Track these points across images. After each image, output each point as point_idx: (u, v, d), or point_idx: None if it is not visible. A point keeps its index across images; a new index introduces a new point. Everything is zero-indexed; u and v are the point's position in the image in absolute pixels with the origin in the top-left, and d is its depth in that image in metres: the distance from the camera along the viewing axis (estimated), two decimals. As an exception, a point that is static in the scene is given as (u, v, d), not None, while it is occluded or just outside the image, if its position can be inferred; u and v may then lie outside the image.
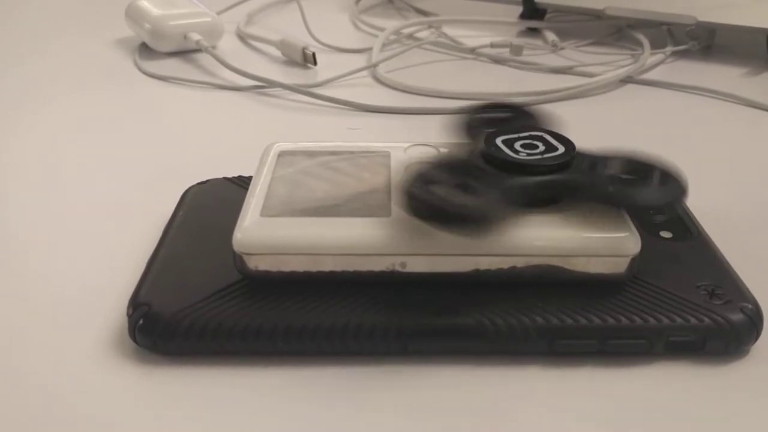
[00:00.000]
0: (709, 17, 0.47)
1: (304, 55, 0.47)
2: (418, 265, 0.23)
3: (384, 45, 0.50)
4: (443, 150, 0.27)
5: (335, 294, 0.23)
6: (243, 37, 0.53)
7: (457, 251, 0.22)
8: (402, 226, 0.23)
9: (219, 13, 0.54)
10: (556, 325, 0.22)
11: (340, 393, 0.21)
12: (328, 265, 0.23)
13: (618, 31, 0.53)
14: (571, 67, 0.46)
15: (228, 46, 0.51)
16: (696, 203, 0.29)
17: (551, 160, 0.24)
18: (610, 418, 0.20)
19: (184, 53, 0.50)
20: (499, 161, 0.24)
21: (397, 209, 0.23)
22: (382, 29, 0.52)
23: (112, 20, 0.56)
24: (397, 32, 0.52)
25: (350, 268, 0.23)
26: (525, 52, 0.49)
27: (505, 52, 0.49)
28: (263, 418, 0.20)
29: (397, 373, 0.22)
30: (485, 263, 0.23)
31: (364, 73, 0.46)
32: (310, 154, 0.27)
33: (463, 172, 0.23)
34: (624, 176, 0.24)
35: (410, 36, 0.53)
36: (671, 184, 0.24)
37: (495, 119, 0.27)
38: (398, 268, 0.23)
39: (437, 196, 0.22)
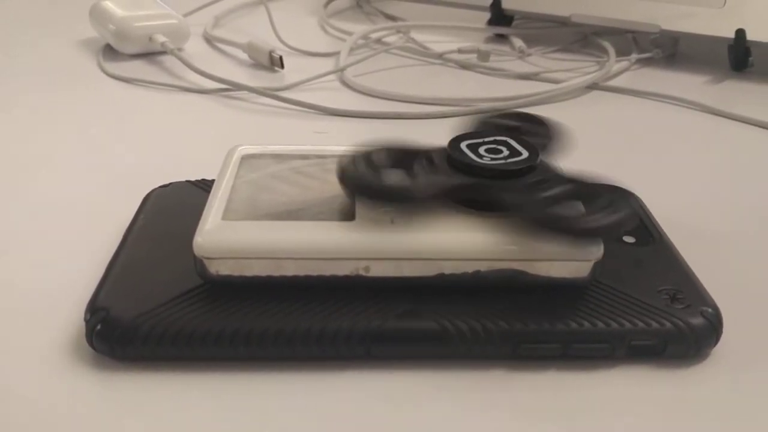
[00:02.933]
0: (673, 26, 0.48)
1: (271, 58, 0.46)
2: (381, 269, 0.22)
3: (352, 49, 0.50)
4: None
5: (298, 298, 0.22)
6: (209, 40, 0.53)
7: (422, 255, 0.22)
8: (366, 230, 0.23)
9: (185, 15, 0.54)
10: (520, 329, 0.22)
11: (302, 399, 0.21)
12: (290, 270, 0.22)
13: (584, 39, 0.54)
14: (537, 74, 0.47)
15: (194, 48, 0.51)
16: (658, 208, 0.29)
17: (501, 166, 0.24)
18: (573, 422, 0.20)
19: (149, 55, 0.49)
20: (454, 161, 0.24)
21: (361, 213, 0.23)
22: (350, 33, 0.52)
23: (75, 21, 0.55)
24: (365, 36, 0.52)
25: (313, 273, 0.22)
26: (492, 58, 0.49)
27: (472, 58, 0.49)
28: (224, 425, 0.20)
29: (360, 378, 0.21)
30: (449, 267, 0.23)
31: (332, 77, 0.46)
32: (275, 157, 0.27)
33: (409, 159, 0.24)
34: (570, 197, 0.23)
35: (378, 41, 0.53)
36: (616, 211, 0.23)
37: (505, 127, 0.27)
38: (362, 273, 0.22)
39: (365, 173, 0.23)
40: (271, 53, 0.46)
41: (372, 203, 0.23)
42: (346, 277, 0.23)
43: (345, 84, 0.45)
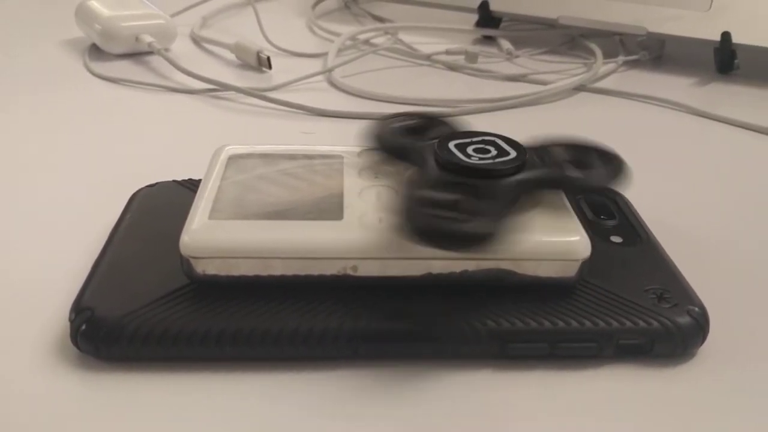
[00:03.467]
0: (660, 28, 0.48)
1: (259, 58, 0.46)
2: (369, 268, 0.22)
3: (340, 50, 0.50)
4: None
5: (285, 298, 0.22)
6: (197, 40, 0.53)
7: (409, 255, 0.22)
8: (353, 229, 0.23)
9: (173, 15, 0.53)
10: (508, 328, 0.22)
11: (291, 399, 0.21)
12: (278, 269, 0.22)
13: (571, 41, 0.54)
14: (525, 75, 0.47)
15: (181, 48, 0.51)
16: (645, 209, 0.29)
17: (513, 162, 0.24)
18: (561, 420, 0.20)
19: (136, 55, 0.49)
20: (470, 169, 0.23)
21: (349, 213, 0.23)
22: (338, 34, 0.52)
23: (61, 20, 0.54)
24: (353, 38, 0.52)
25: (301, 272, 0.22)
26: (480, 59, 0.49)
27: (460, 60, 0.49)
28: (210, 425, 0.20)
29: (348, 377, 0.21)
30: (437, 267, 0.23)
31: (320, 77, 0.46)
32: (262, 157, 0.27)
33: (451, 186, 0.23)
34: (569, 162, 0.25)
35: (366, 42, 0.53)
36: (611, 161, 0.25)
37: (408, 128, 0.27)
38: (350, 272, 0.22)
39: (444, 220, 0.21)
40: (258, 54, 0.46)
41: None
42: (334, 277, 0.22)
43: (333, 85, 0.45)
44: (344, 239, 0.22)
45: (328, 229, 0.22)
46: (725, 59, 0.48)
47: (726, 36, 0.46)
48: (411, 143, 0.26)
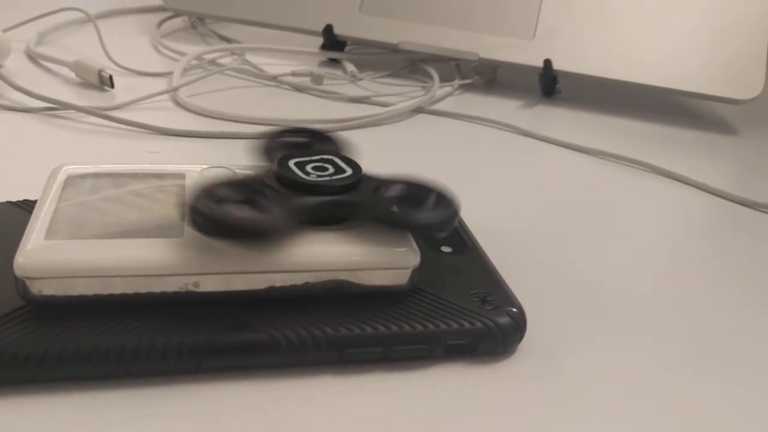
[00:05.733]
0: (490, 55, 0.52)
1: (101, 77, 0.45)
2: (211, 284, 0.23)
3: (186, 69, 0.50)
4: (238, 171, 0.28)
5: (127, 316, 0.22)
6: (33, 57, 0.51)
7: (251, 269, 0.23)
8: (195, 246, 0.23)
9: (5, 30, 0.51)
10: (346, 335, 0.23)
11: (135, 417, 0.21)
12: (118, 288, 0.22)
13: (411, 65, 0.57)
14: (368, 97, 0.49)
15: (15, 65, 0.49)
16: (474, 220, 0.31)
17: (338, 182, 0.25)
18: (397, 419, 0.22)
19: (-35, 72, 0.46)
20: (289, 181, 0.25)
21: (189, 230, 0.24)
22: (184, 54, 0.52)
23: None
24: (199, 57, 0.52)
25: (142, 290, 0.23)
26: (325, 81, 0.51)
27: (306, 81, 0.50)
28: (48, 445, 0.19)
29: (193, 392, 0.22)
30: (279, 280, 0.24)
31: (165, 97, 0.46)
32: (102, 176, 0.27)
33: (251, 190, 0.24)
34: (403, 199, 0.26)
35: (213, 62, 0.53)
36: (446, 206, 0.26)
37: (294, 143, 0.28)
38: (192, 288, 0.23)
39: (220, 210, 0.22)
40: (100, 72, 0.45)
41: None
42: (176, 294, 0.23)
43: (178, 104, 0.45)
44: (184, 256, 0.23)
45: (169, 246, 0.23)
46: (548, 84, 0.52)
47: (548, 63, 0.51)
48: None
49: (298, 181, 0.25)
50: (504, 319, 0.25)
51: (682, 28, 0.52)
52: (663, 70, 0.51)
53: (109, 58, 0.50)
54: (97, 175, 0.27)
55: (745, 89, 0.50)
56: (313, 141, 0.29)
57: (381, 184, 0.26)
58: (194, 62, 0.52)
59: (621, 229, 0.35)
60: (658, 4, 0.53)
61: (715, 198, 0.40)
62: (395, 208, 0.25)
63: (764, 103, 0.60)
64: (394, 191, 0.26)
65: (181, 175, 0.27)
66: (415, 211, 0.25)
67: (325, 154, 0.27)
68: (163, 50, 0.55)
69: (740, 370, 0.26)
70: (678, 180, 0.41)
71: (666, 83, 0.50)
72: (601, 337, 0.27)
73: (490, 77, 0.56)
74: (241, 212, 0.23)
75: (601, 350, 0.26)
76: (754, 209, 0.39)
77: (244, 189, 0.24)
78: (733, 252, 0.34)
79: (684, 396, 0.24)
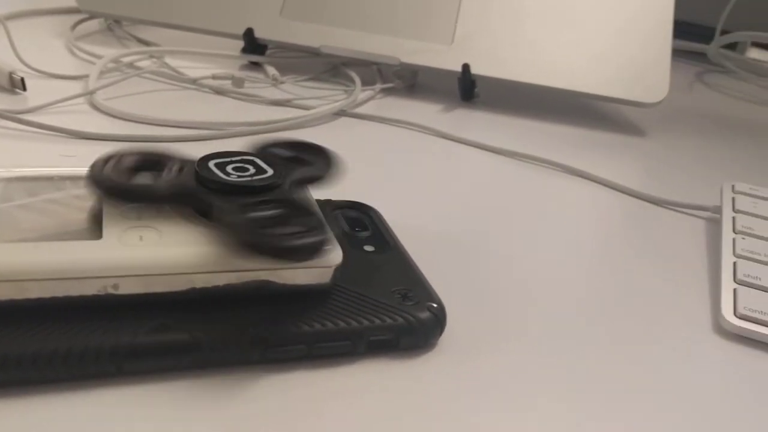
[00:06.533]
0: (411, 59, 0.53)
1: (12, 80, 0.44)
2: (131, 286, 0.23)
3: (102, 72, 0.49)
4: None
5: (44, 321, 0.22)
6: (-62, 59, 0.49)
7: (171, 270, 0.23)
8: (113, 248, 0.23)
9: None
10: (268, 334, 0.23)
11: (53, 423, 0.20)
12: (34, 292, 0.22)
13: (333, 68, 0.57)
14: (289, 100, 0.49)
15: None
16: (396, 220, 0.32)
17: (272, 178, 0.26)
18: (320, 415, 0.22)
19: None
20: (201, 178, 0.25)
21: (108, 232, 0.23)
22: (100, 57, 0.51)
23: None
24: (116, 60, 0.51)
25: (60, 294, 0.22)
26: (247, 84, 0.51)
27: (227, 84, 0.50)
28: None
29: (112, 395, 0.22)
30: (200, 281, 0.24)
31: (81, 100, 0.45)
32: (13, 180, 0.26)
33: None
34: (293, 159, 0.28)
35: (131, 65, 0.52)
36: (326, 156, 0.29)
37: (134, 166, 0.26)
38: (111, 291, 0.23)
39: (283, 237, 0.23)
40: (11, 74, 0.44)
41: (116, 202, 0.25)
42: (95, 297, 0.23)
43: (95, 107, 0.44)
44: (102, 258, 0.22)
45: (85, 248, 0.23)
46: (467, 88, 0.54)
47: (466, 68, 0.52)
48: (152, 180, 0.25)
49: (209, 178, 0.25)
50: (424, 314, 0.25)
51: (592, 35, 0.54)
52: (575, 75, 0.53)
53: (21, 60, 0.48)
54: (8, 180, 0.26)
55: (651, 93, 0.53)
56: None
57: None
58: (111, 65, 0.51)
59: (536, 227, 0.36)
60: (571, 13, 0.55)
61: (625, 196, 0.42)
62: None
63: (669, 106, 0.63)
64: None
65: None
66: (311, 166, 0.28)
67: (244, 154, 0.27)
68: (79, 53, 0.54)
69: (653, 359, 0.27)
70: (590, 179, 0.43)
71: (578, 87, 0.53)
72: (518, 329, 0.28)
73: (410, 81, 0.57)
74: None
75: (518, 343, 0.27)
76: (660, 206, 0.41)
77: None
78: (642, 246, 0.36)
79: (597, 386, 0.25)
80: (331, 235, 0.25)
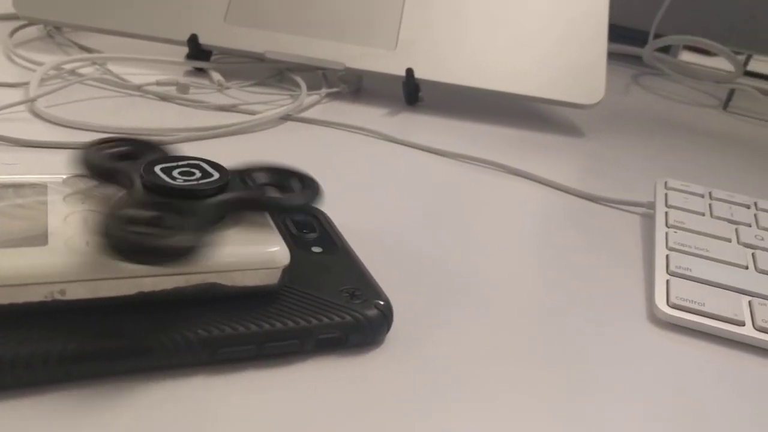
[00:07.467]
0: (355, 64, 0.54)
1: (-52, 88, 0.43)
2: (78, 291, 0.23)
3: (43, 80, 0.48)
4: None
5: (-11, 328, 0.22)
6: None
7: (118, 275, 0.23)
8: (59, 254, 0.23)
9: None
10: (217, 335, 0.24)
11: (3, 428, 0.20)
12: (-21, 300, 0.22)
13: (279, 74, 0.58)
14: (235, 105, 0.49)
15: None
16: (343, 221, 0.33)
17: (216, 183, 0.26)
18: (272, 414, 0.23)
19: None
20: (158, 188, 0.25)
21: (53, 238, 0.23)
22: (41, 63, 0.50)
23: None
24: (57, 67, 0.51)
25: (4, 301, 0.22)
26: (192, 90, 0.51)
27: (172, 90, 0.50)
28: None
29: (60, 399, 0.22)
30: (148, 285, 0.24)
31: (22, 107, 0.44)
32: (-45, 188, 0.26)
33: (153, 206, 0.24)
34: (271, 185, 0.28)
35: (73, 72, 0.51)
36: (310, 187, 0.28)
37: (117, 153, 0.28)
38: (58, 296, 0.23)
39: (145, 236, 0.22)
40: (-53, 83, 0.43)
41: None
42: (42, 303, 0.23)
43: (36, 115, 0.43)
44: (48, 264, 0.22)
45: (30, 255, 0.23)
46: (411, 92, 0.55)
47: (410, 72, 0.53)
48: (121, 167, 0.26)
49: (168, 187, 0.25)
50: (372, 312, 0.26)
51: (531, 40, 0.56)
52: (516, 78, 0.54)
53: (-43, 67, 0.47)
54: (-51, 187, 0.26)
55: (589, 95, 0.55)
56: (140, 151, 0.29)
57: (246, 177, 0.28)
58: (52, 72, 0.50)
59: (479, 225, 0.37)
60: (510, 18, 0.56)
61: (564, 194, 0.43)
62: (268, 196, 0.27)
63: (607, 107, 0.65)
64: (261, 180, 0.28)
65: (42, 186, 0.27)
66: (286, 194, 0.28)
67: (188, 159, 0.27)
68: (18, 60, 0.53)
69: (593, 348, 0.28)
70: (531, 179, 0.45)
71: (519, 90, 0.54)
72: (462, 324, 0.28)
73: (356, 86, 0.58)
74: (165, 235, 0.23)
75: (462, 337, 0.28)
76: (598, 203, 0.43)
77: (143, 205, 0.24)
78: (581, 241, 0.37)
79: (540, 375, 0.26)
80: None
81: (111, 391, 0.22)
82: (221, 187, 0.26)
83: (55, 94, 0.46)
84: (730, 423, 0.25)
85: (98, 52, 0.57)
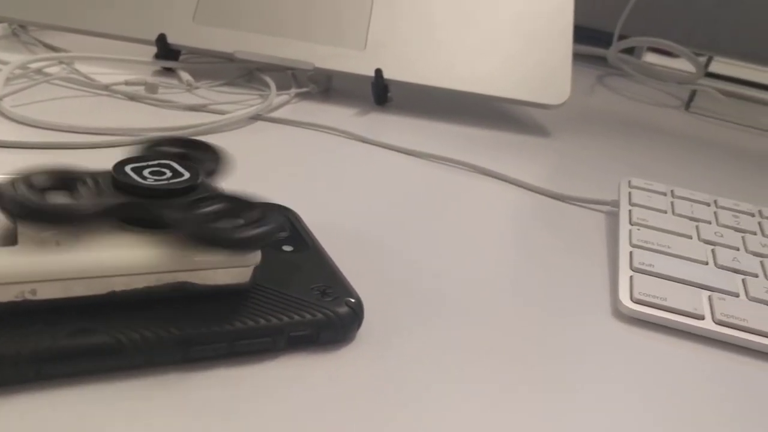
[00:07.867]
0: (325, 64, 0.54)
1: None
2: (49, 291, 0.23)
3: (9, 79, 0.48)
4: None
5: (-42, 329, 0.22)
6: None
7: (89, 274, 0.23)
8: (29, 253, 0.23)
9: None
10: (189, 334, 0.24)
11: (-32, 427, 0.20)
12: (-53, 301, 0.22)
13: (248, 74, 0.58)
14: (205, 105, 0.49)
15: None
16: (314, 220, 0.33)
17: (166, 186, 0.26)
18: (242, 411, 0.23)
19: None
20: (121, 184, 0.25)
21: (23, 238, 0.23)
22: (6, 63, 0.50)
23: None
24: (23, 66, 0.50)
25: (-25, 302, 0.22)
26: (161, 90, 0.50)
27: (140, 90, 0.50)
28: None
29: (33, 399, 0.22)
30: (120, 284, 0.24)
31: (-14, 107, 0.43)
32: None
33: (68, 180, 0.25)
34: (225, 213, 0.26)
35: (39, 71, 0.51)
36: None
37: (171, 154, 0.29)
38: (28, 296, 0.23)
39: (29, 195, 0.23)
40: None
41: (34, 226, 0.23)
42: (13, 303, 0.23)
43: (2, 114, 0.43)
44: (18, 264, 0.22)
45: (1, 255, 0.22)
46: (380, 92, 0.55)
47: (379, 72, 0.54)
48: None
49: (122, 181, 0.25)
50: (343, 309, 0.26)
51: (498, 41, 0.57)
52: (483, 79, 0.55)
53: None
54: None
55: (555, 95, 0.56)
56: (189, 151, 0.29)
57: (209, 197, 0.26)
58: (18, 71, 0.50)
59: (449, 224, 0.38)
60: (477, 19, 0.57)
61: (531, 193, 0.44)
62: (207, 224, 0.25)
63: (573, 108, 0.67)
64: (216, 206, 0.26)
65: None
66: (227, 229, 0.25)
67: (165, 158, 0.27)
68: (-18, 59, 0.52)
69: (558, 343, 0.29)
70: (499, 178, 0.45)
71: (486, 91, 0.55)
72: (432, 321, 0.29)
73: (325, 86, 0.58)
74: (48, 198, 0.24)
75: (432, 333, 0.28)
76: (564, 201, 0.43)
77: (64, 180, 0.25)
78: (547, 239, 0.38)
79: (509, 371, 0.27)
80: (280, 223, 0.26)
81: (83, 391, 0.22)
82: (182, 190, 0.26)
83: (21, 93, 0.46)
84: (691, 413, 0.26)
85: (65, 51, 0.56)
